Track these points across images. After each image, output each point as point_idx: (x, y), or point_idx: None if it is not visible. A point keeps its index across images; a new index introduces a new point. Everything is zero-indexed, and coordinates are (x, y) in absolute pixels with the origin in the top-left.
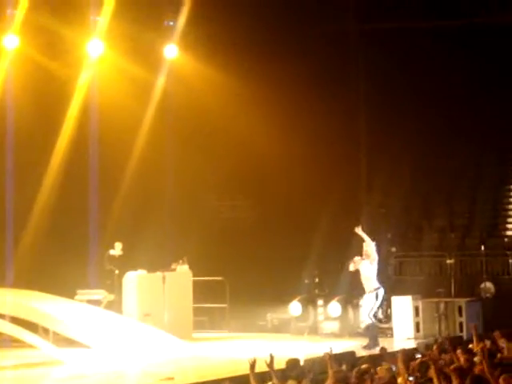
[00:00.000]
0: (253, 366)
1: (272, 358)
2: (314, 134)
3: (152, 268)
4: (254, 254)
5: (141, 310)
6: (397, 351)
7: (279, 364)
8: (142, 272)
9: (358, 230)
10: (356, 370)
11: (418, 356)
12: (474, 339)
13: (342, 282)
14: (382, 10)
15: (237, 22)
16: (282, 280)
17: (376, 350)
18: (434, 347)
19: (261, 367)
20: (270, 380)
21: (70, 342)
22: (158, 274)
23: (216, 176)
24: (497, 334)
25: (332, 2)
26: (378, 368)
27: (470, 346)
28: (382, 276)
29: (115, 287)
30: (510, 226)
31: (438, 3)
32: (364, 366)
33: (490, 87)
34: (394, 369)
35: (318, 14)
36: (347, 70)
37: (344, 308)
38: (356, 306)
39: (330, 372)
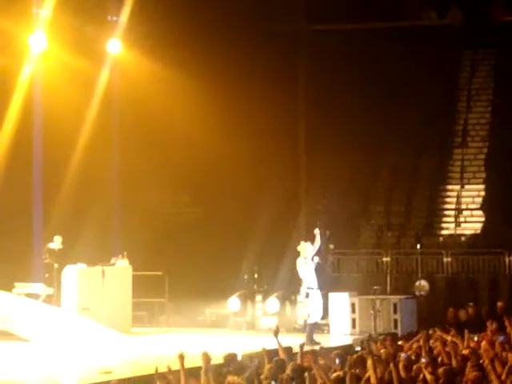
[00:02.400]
0: (181, 358)
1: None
2: (254, 131)
3: (92, 262)
4: (194, 249)
5: (79, 303)
6: (333, 347)
7: (217, 359)
8: (81, 266)
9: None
10: (292, 364)
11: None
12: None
13: (280, 279)
14: (326, 13)
15: (182, 18)
16: (222, 275)
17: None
18: (378, 343)
19: (194, 362)
20: (205, 374)
21: (6, 335)
22: (98, 268)
23: (158, 171)
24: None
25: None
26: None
27: (400, 342)
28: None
29: (54, 281)
30: (444, 225)
31: (376, 7)
32: (299, 363)
33: (425, 89)
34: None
35: (263, 12)
36: (289, 68)
37: (282, 304)
38: (294, 302)
39: (267, 366)
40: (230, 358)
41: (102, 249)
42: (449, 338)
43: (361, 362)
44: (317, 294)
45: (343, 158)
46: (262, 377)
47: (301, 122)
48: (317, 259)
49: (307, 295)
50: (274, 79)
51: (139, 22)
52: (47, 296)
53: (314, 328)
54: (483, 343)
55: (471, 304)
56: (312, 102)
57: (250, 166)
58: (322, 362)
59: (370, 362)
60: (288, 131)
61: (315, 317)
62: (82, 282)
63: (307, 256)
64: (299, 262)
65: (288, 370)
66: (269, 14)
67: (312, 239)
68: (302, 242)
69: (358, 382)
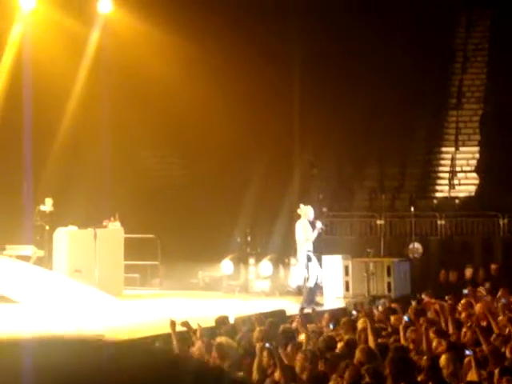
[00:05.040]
0: (173, 325)
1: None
2: (247, 92)
3: (83, 224)
4: (187, 211)
5: (71, 266)
6: (325, 310)
7: (209, 322)
8: (72, 228)
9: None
10: (282, 328)
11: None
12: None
13: (273, 242)
14: None
15: None
16: (214, 238)
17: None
18: (380, 308)
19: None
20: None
21: None
22: (90, 230)
23: (150, 133)
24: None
25: None
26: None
27: (393, 305)
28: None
29: (45, 243)
30: (438, 187)
31: None
32: (288, 325)
33: (421, 50)
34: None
35: None
36: (283, 30)
37: (275, 267)
38: (287, 266)
39: (258, 329)
40: (222, 321)
41: (93, 211)
42: (437, 306)
43: (352, 326)
44: (318, 257)
45: (337, 120)
46: (254, 339)
47: (294, 84)
48: (320, 225)
49: (309, 258)
50: (269, 40)
51: None
52: (38, 258)
53: (315, 290)
54: (478, 306)
55: (469, 265)
56: (306, 65)
57: (243, 129)
58: (313, 325)
59: (368, 326)
60: (281, 94)
61: (315, 279)
62: (74, 245)
63: (308, 219)
64: (299, 224)
65: (279, 334)
66: None
67: (307, 202)
68: (302, 205)
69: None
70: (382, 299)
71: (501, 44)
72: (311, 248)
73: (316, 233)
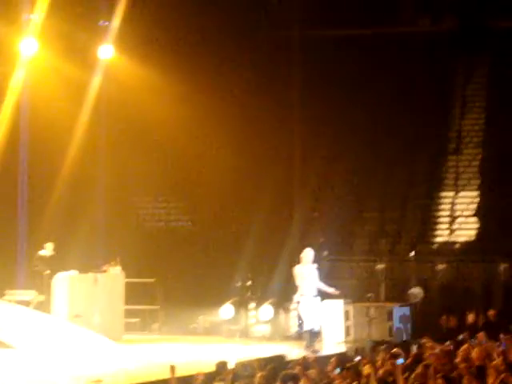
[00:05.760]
0: (173, 370)
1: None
2: (247, 140)
3: (84, 269)
4: (187, 256)
5: (71, 311)
6: (326, 356)
7: (209, 367)
8: (73, 273)
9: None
10: (282, 374)
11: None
12: None
13: (273, 286)
14: (323, 19)
15: (173, 23)
16: (215, 283)
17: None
18: (382, 354)
19: (184, 371)
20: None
21: None
22: (90, 275)
23: (151, 178)
24: (425, 340)
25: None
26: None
27: (394, 350)
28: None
29: (45, 288)
30: (439, 232)
31: (373, 13)
32: (290, 371)
33: (420, 95)
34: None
35: (256, 18)
36: (283, 75)
37: (275, 311)
38: (287, 310)
39: (259, 374)
40: (222, 366)
41: (94, 255)
42: (437, 349)
43: (356, 371)
44: (314, 302)
45: (337, 164)
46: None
47: (295, 128)
48: (314, 266)
49: (299, 302)
50: (268, 85)
51: (131, 27)
52: (38, 303)
53: (313, 335)
54: (475, 351)
55: (471, 312)
56: (306, 109)
57: (243, 173)
58: (314, 370)
59: (371, 372)
60: (282, 137)
61: (310, 324)
62: (74, 289)
63: (308, 263)
64: (297, 268)
65: (278, 379)
66: (261, 20)
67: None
68: (307, 249)
69: None
70: (383, 344)
71: (499, 89)
72: (308, 292)
73: (307, 276)
